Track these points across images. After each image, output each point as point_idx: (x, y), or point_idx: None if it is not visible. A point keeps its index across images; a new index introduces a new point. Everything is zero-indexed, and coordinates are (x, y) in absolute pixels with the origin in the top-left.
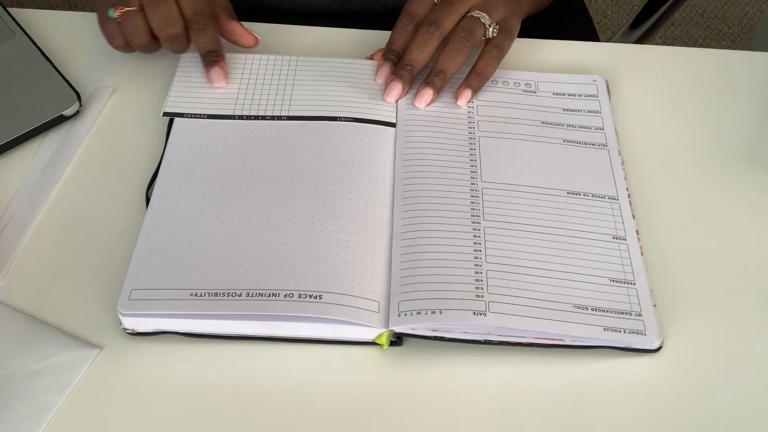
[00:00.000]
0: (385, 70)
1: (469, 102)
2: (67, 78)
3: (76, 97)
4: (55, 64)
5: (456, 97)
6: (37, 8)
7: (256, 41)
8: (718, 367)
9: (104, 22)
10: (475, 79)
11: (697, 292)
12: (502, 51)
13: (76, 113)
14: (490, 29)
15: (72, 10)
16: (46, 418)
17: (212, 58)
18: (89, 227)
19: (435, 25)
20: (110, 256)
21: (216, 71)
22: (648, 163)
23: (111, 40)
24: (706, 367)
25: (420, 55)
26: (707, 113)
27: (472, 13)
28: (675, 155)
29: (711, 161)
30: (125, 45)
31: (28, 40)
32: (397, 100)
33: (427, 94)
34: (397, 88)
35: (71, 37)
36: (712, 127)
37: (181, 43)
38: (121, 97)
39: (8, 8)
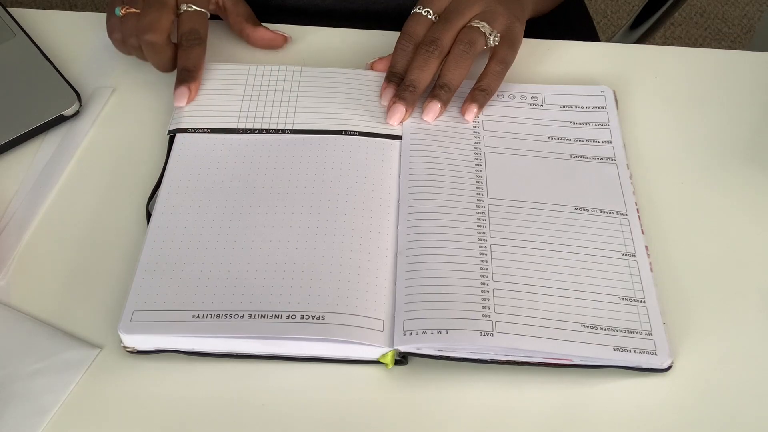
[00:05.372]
0: (389, 92)
1: (475, 117)
2: (67, 78)
3: (76, 97)
4: (55, 64)
5: (462, 112)
6: (37, 8)
7: (285, 40)
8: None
9: (109, 15)
10: (480, 94)
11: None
12: (506, 66)
13: (76, 113)
14: (491, 38)
15: (72, 10)
16: (46, 418)
17: (184, 76)
18: (89, 227)
19: (434, 44)
20: (110, 256)
21: (181, 90)
22: (651, 170)
23: (110, 33)
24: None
25: (421, 75)
26: (708, 114)
27: (472, 23)
28: (678, 160)
29: (714, 165)
30: (122, 42)
31: (28, 40)
32: (400, 122)
33: (435, 107)
34: (399, 110)
35: (71, 37)
36: (712, 128)
37: (158, 55)
38: (121, 97)
39: (8, 8)
